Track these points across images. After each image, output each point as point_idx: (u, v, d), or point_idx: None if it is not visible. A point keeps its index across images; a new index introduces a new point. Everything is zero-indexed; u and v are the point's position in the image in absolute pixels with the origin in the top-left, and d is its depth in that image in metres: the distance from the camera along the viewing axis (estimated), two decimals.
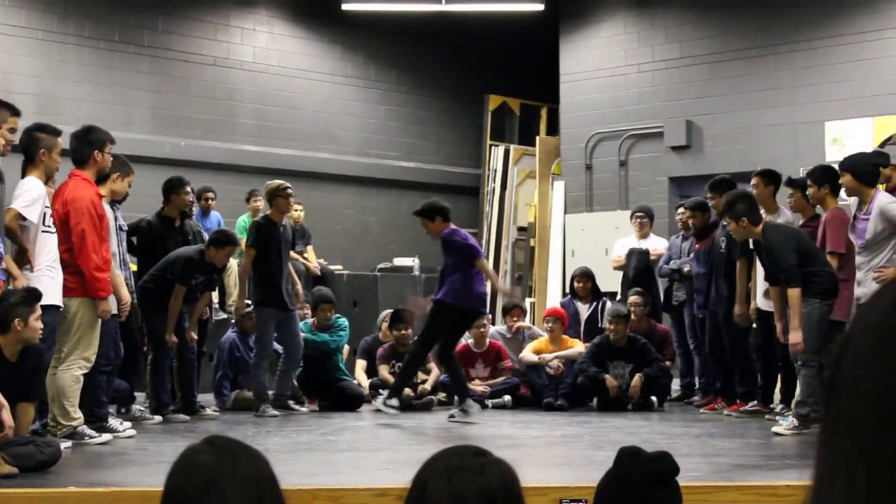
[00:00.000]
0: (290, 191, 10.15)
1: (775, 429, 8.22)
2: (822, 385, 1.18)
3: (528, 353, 10.94)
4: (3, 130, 7.05)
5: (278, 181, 10.29)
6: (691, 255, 10.79)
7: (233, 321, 11.02)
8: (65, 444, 7.07)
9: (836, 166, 9.24)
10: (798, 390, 8.30)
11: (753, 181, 9.62)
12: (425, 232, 9.68)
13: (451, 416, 9.34)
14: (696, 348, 10.80)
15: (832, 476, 1.11)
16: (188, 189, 10.17)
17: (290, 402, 10.19)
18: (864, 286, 7.92)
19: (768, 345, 9.28)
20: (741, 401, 9.72)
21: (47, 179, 7.56)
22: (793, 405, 8.52)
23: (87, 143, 7.78)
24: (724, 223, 9.89)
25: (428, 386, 10.72)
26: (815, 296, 8.24)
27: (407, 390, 10.29)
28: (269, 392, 10.17)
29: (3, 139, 7.00)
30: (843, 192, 8.89)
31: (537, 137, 16.82)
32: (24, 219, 7.18)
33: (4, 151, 7.10)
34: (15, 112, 7.21)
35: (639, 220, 12.07)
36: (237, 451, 2.00)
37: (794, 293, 8.23)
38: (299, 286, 10.91)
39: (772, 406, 9.50)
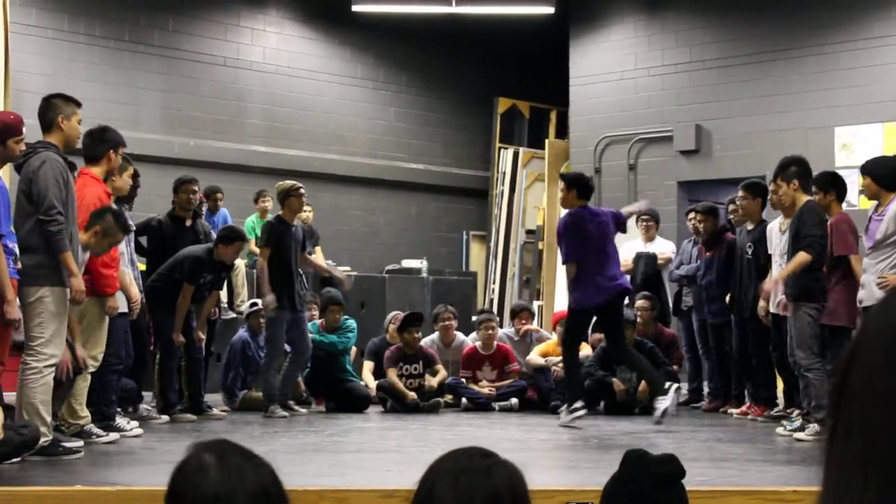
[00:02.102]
0: (302, 191, 10.06)
1: (797, 435, 8.18)
2: (831, 391, 1.17)
3: (534, 356, 10.93)
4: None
5: (291, 181, 10.17)
6: (699, 261, 10.76)
7: (246, 316, 10.95)
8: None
9: (841, 173, 9.26)
10: (813, 395, 8.24)
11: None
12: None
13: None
14: (706, 353, 10.78)
15: (843, 481, 1.11)
16: (191, 187, 10.08)
17: (291, 403, 10.16)
18: (866, 289, 7.89)
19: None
20: (766, 405, 9.75)
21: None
22: (807, 408, 8.47)
23: (103, 141, 7.82)
24: (750, 229, 9.85)
25: (434, 383, 10.71)
26: (803, 298, 8.25)
27: (412, 394, 10.43)
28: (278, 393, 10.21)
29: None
30: (848, 197, 8.89)
31: (546, 140, 16.83)
32: None
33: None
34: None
35: (644, 224, 12.01)
36: (242, 463, 1.98)
37: (804, 256, 8.22)
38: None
39: (789, 410, 9.48)
